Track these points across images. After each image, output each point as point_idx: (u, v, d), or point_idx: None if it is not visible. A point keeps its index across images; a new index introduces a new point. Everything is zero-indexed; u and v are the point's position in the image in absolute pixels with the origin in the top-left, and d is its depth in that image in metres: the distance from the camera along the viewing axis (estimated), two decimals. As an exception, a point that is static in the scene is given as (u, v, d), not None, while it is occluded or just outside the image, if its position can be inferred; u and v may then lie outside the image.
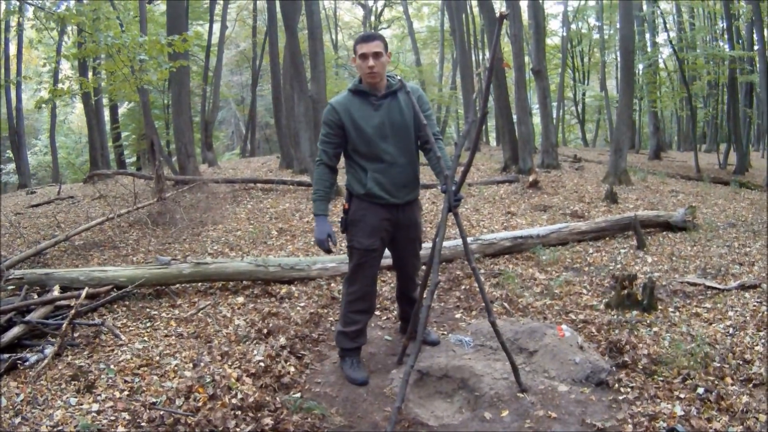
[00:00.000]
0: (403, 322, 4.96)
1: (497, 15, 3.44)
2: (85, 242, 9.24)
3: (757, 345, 4.71)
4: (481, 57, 32.93)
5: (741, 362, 4.38)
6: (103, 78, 13.84)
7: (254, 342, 4.83)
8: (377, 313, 5.59)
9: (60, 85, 13.34)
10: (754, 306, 5.65)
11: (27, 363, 4.49)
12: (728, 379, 4.11)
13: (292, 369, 4.38)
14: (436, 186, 12.13)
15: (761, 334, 4.95)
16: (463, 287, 6.42)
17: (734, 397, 3.82)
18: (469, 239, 7.43)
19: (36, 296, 5.77)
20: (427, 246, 5.63)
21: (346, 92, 4.20)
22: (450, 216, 3.91)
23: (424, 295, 3.89)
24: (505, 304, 5.78)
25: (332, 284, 6.44)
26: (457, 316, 5.63)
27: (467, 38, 27.38)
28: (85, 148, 30.13)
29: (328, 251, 4.24)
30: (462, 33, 24.72)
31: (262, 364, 4.30)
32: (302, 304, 5.86)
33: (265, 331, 5.02)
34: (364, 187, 4.16)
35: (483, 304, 4.18)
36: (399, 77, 4.26)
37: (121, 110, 28.26)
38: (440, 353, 4.56)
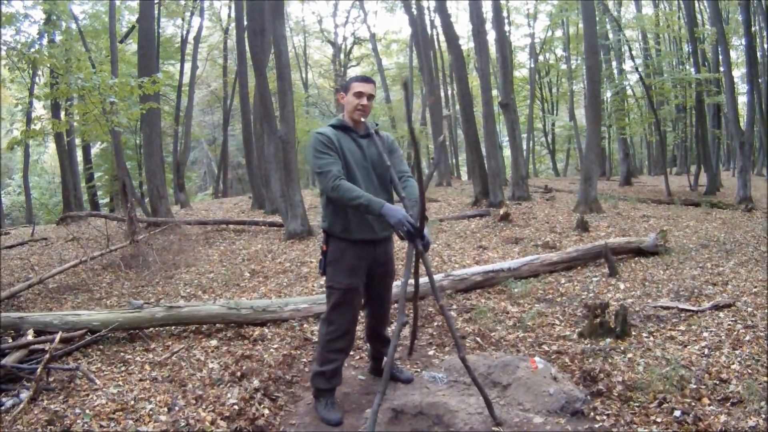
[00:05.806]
0: (375, 361, 4.97)
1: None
2: (59, 285, 9.13)
3: (733, 364, 4.77)
4: (450, 92, 33.29)
5: (717, 382, 4.44)
6: (75, 118, 13.85)
7: (228, 385, 4.80)
8: (350, 352, 5.57)
9: (33, 126, 13.29)
10: (729, 325, 5.73)
11: (3, 407, 4.44)
12: (705, 400, 4.15)
13: (267, 411, 4.35)
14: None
15: (737, 352, 5.01)
16: (435, 324, 6.42)
17: (712, 417, 3.86)
18: (440, 275, 7.45)
19: (10, 340, 5.70)
20: (396, 284, 5.61)
21: (329, 127, 4.26)
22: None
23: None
24: (478, 339, 5.80)
25: (305, 325, 6.40)
26: (430, 352, 5.63)
27: (435, 74, 27.67)
28: (58, 189, 29.86)
29: (408, 232, 3.87)
30: (430, 69, 24.99)
31: (236, 407, 4.28)
32: (275, 346, 5.82)
33: (238, 373, 4.99)
34: (344, 224, 4.18)
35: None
36: (375, 123, 4.46)
37: (94, 150, 28.08)
38: (414, 390, 4.55)
